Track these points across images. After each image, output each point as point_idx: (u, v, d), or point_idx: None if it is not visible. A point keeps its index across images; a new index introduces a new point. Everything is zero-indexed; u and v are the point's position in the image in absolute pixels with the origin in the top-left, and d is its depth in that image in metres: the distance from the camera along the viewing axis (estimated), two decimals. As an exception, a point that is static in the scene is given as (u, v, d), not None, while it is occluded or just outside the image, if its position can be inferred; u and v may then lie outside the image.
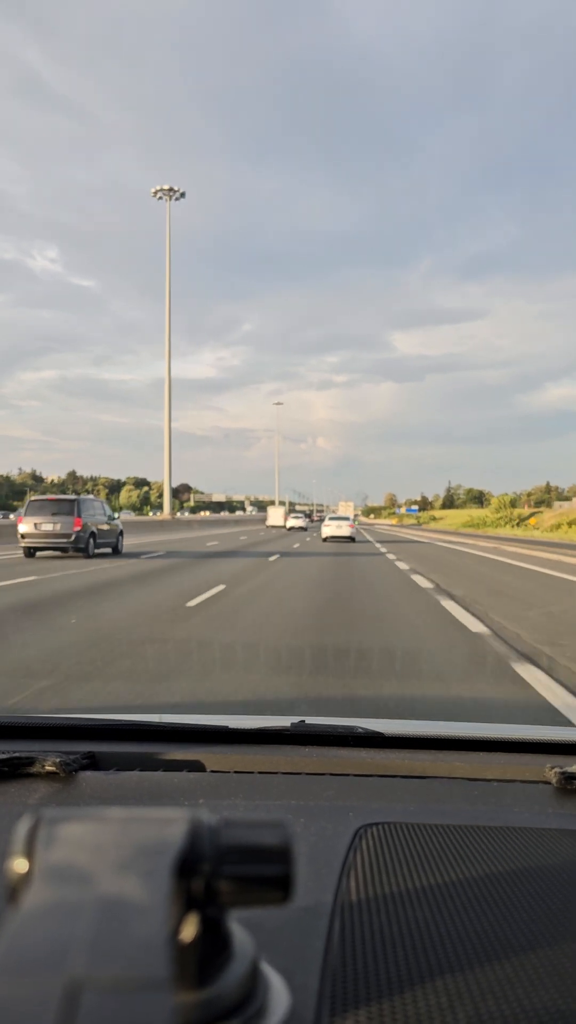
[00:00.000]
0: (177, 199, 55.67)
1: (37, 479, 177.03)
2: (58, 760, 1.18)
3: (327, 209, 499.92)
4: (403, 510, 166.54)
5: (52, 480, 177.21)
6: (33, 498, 18.58)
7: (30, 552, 17.85)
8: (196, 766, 1.27)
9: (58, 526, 17.36)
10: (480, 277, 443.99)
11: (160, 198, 55.43)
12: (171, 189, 55.02)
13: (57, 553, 18.15)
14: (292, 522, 56.84)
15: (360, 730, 1.38)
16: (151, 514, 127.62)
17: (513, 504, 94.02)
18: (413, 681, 5.19)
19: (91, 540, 17.94)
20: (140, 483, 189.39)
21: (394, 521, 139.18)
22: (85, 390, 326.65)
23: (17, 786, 1.15)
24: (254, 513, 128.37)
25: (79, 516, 17.49)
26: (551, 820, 1.05)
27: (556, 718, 4.21)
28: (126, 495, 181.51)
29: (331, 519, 33.48)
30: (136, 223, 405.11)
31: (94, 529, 18.17)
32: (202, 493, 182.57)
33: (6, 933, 0.40)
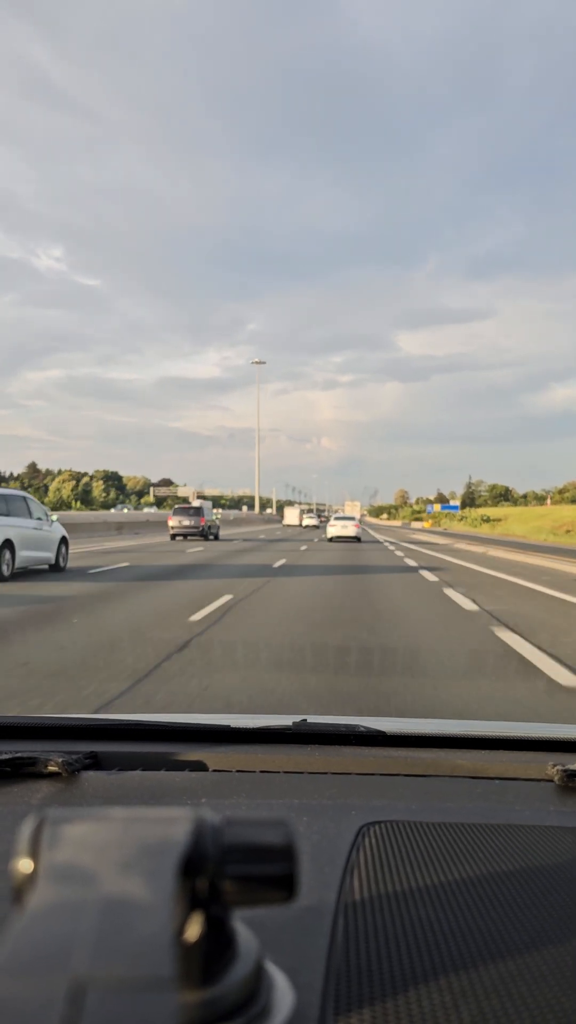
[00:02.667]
0: None
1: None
2: (61, 760, 1.18)
3: (333, 208, 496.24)
4: (436, 507, 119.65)
5: (10, 474, 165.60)
6: (176, 506, 33.75)
7: (174, 536, 31.67)
8: (198, 765, 1.27)
9: (192, 521, 31.88)
10: (487, 277, 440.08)
11: None
12: None
13: (183, 538, 31.96)
14: (307, 521, 67.72)
15: (362, 729, 1.38)
16: (79, 510, 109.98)
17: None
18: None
19: (209, 529, 32.44)
20: (110, 477, 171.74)
21: (426, 524, 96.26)
22: (90, 389, 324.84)
23: (20, 786, 1.16)
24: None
25: (203, 516, 32.20)
26: (553, 818, 1.05)
27: None
28: (55, 489, 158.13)
29: (336, 519, 33.94)
30: (142, 222, 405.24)
31: (210, 524, 32.80)
32: (174, 486, 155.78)
33: (11, 933, 0.40)
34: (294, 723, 1.40)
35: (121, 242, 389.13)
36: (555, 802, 1.12)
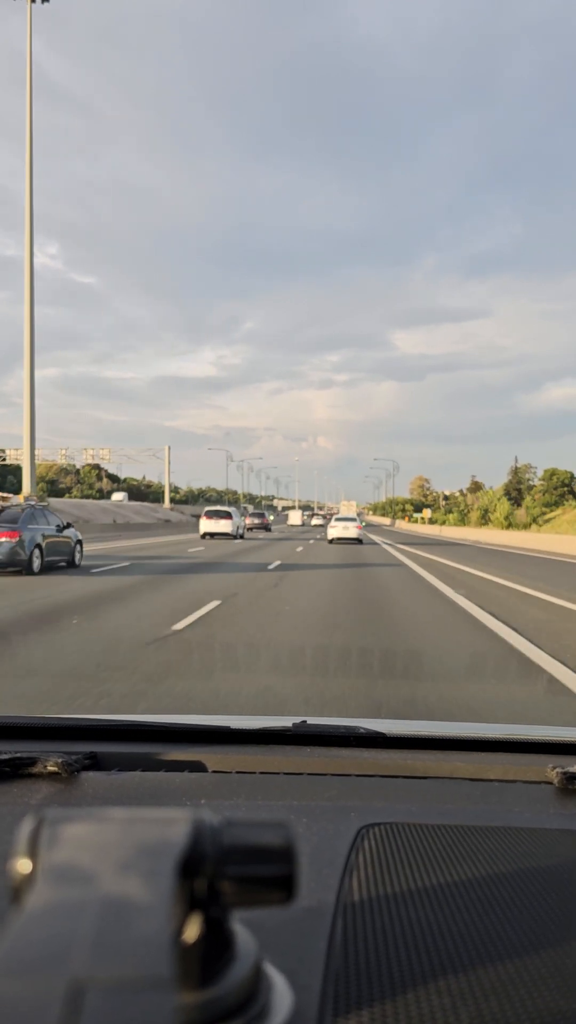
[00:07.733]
0: None
1: None
2: (60, 760, 1.18)
3: (332, 207, 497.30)
4: None
5: None
6: (252, 511, 58.30)
7: (250, 529, 45.72)
8: (198, 766, 1.27)
9: (260, 521, 50.28)
10: (484, 276, 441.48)
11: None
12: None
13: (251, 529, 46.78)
14: (316, 521, 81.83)
15: (362, 730, 1.38)
16: None
17: None
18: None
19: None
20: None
21: None
22: (86, 388, 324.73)
23: (19, 786, 1.16)
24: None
25: (265, 517, 52.81)
26: (553, 820, 1.05)
27: None
28: None
29: (337, 520, 34.13)
30: (138, 220, 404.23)
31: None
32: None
33: (9, 933, 0.40)
34: (294, 724, 1.40)
35: (117, 240, 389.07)
36: (554, 804, 1.12)
